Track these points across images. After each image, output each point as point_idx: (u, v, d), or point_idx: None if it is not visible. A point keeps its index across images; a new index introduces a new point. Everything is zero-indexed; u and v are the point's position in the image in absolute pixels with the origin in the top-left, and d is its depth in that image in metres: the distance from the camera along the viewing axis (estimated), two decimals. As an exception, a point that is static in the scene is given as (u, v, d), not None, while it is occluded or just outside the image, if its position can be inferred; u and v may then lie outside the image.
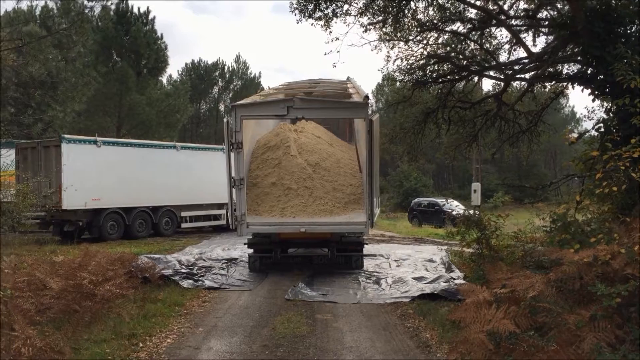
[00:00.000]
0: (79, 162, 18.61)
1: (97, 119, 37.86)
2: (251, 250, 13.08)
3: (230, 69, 65.79)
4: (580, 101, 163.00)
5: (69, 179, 18.11)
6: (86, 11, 22.31)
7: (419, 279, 11.41)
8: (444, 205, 32.44)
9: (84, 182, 18.46)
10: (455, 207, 30.44)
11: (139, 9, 40.18)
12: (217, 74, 65.22)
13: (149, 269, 11.01)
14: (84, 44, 30.17)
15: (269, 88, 17.88)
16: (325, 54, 17.59)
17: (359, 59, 77.09)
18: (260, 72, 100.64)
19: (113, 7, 37.00)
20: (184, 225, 22.57)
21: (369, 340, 7.34)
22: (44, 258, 11.63)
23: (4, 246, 12.42)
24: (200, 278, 11.58)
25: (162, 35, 41.46)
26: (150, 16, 40.46)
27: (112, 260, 10.40)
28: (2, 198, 12.62)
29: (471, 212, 13.05)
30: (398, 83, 16.60)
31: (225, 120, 12.20)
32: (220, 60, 65.31)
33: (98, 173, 19.10)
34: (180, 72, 63.39)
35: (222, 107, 65.91)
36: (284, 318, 8.43)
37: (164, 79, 48.66)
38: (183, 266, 12.55)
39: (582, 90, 11.21)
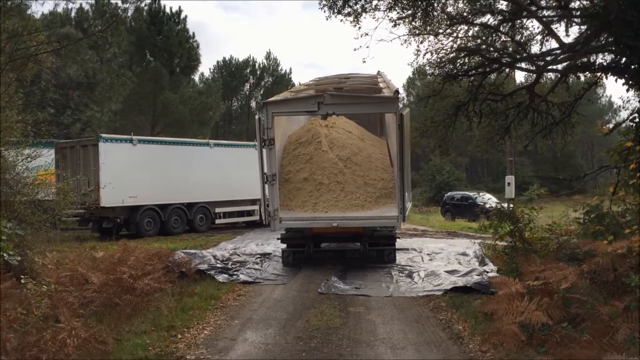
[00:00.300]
0: (116, 161, 19.07)
1: (132, 117, 38.63)
2: (284, 245, 13.24)
3: (261, 65, 66.10)
4: (618, 91, 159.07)
5: (106, 177, 18.55)
6: (120, 12, 22.76)
7: (451, 272, 11.41)
8: (476, 198, 32.18)
9: (120, 179, 18.88)
10: (488, 200, 30.18)
11: (170, 8, 40.71)
12: (248, 71, 65.57)
13: (186, 263, 11.27)
14: (119, 44, 30.78)
15: (299, 84, 18.03)
16: (355, 49, 17.67)
17: (389, 53, 77.07)
18: (290, 69, 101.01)
19: (146, 7, 37.64)
20: (218, 221, 22.91)
21: (401, 332, 7.42)
22: (84, 254, 11.99)
23: (46, 243, 12.81)
24: (235, 272, 11.79)
25: (193, 34, 42.09)
26: (182, 15, 41.07)
27: (149, 256, 10.71)
28: (44, 196, 13.00)
29: (504, 205, 12.98)
30: (429, 77, 16.54)
31: (257, 117, 12.36)
32: (251, 58, 65.72)
33: (134, 171, 19.54)
34: (212, 70, 64.11)
35: (253, 104, 66.34)
36: (318, 311, 8.56)
37: (196, 78, 49.36)
38: (218, 261, 12.79)
39: (616, 80, 11.02)
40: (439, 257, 13.80)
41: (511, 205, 13.00)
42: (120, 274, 8.70)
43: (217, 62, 68.71)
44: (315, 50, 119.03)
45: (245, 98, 67.56)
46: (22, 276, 7.50)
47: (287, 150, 14.06)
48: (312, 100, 11.92)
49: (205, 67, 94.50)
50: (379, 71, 17.65)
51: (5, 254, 6.87)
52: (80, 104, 27.37)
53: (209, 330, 7.59)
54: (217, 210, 22.67)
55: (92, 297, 8.03)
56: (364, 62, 41.15)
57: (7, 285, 6.79)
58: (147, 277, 8.87)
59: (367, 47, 18.02)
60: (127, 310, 7.87)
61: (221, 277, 11.27)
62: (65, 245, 15.13)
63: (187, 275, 10.80)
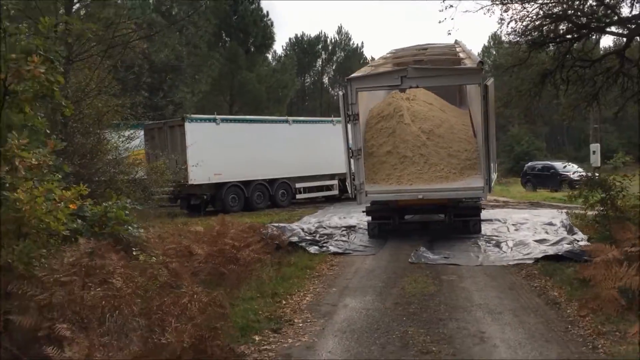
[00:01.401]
0: (201, 140, 19.81)
1: (212, 97, 39.80)
2: (369, 218, 13.48)
3: (333, 40, 66.16)
4: None
5: (193, 156, 19.39)
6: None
7: (540, 241, 11.39)
8: (560, 168, 31.35)
9: (206, 158, 19.53)
10: (572, 169, 29.35)
11: (245, -13, 41.31)
12: (320, 47, 65.71)
13: (278, 236, 11.79)
14: (206, 29, 31.79)
15: (371, 58, 18.06)
16: (440, 22, 17.44)
17: (464, 22, 75.58)
18: (362, 42, 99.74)
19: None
20: (298, 196, 23.41)
21: (496, 298, 7.60)
22: (181, 229, 12.73)
23: (144, 218, 13.69)
24: (324, 244, 12.18)
25: (267, 12, 42.65)
26: (256, -6, 41.65)
27: (244, 229, 11.29)
28: (141, 175, 13.91)
29: (590, 174, 12.75)
30: (505, 44, 16.19)
31: (341, 93, 12.65)
32: (323, 33, 65.78)
33: (218, 149, 20.24)
34: (284, 48, 64.71)
35: (326, 80, 66.67)
36: (411, 279, 8.83)
37: (269, 56, 50.10)
38: (306, 234, 13.24)
39: None
40: (525, 227, 13.74)
41: (597, 174, 12.76)
42: (222, 246, 9.27)
43: (290, 39, 69.23)
44: (388, 21, 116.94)
45: (317, 74, 67.88)
46: (133, 248, 8.17)
47: (369, 125, 14.27)
48: (395, 75, 12.09)
49: (278, 44, 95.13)
50: (456, 40, 17.43)
51: (130, 227, 7.52)
52: (172, 87, 28.57)
53: (310, 297, 8.03)
54: (298, 185, 23.18)
55: (199, 267, 8.62)
56: (449, 34, 39.96)
57: (120, 256, 7.45)
58: (248, 248, 9.41)
59: (452, 18, 17.78)
60: (233, 278, 8.43)
61: (312, 249, 11.72)
62: (159, 221, 16.01)
63: (281, 247, 11.31)
